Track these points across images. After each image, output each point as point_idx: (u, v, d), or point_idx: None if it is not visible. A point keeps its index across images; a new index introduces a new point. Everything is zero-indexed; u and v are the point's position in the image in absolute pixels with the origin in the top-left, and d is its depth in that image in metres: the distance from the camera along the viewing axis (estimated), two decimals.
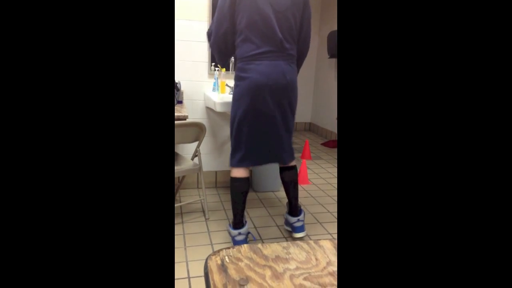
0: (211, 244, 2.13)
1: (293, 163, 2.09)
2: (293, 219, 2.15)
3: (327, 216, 2.62)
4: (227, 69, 2.80)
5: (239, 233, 2.00)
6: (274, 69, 1.79)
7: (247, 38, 1.78)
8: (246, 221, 2.05)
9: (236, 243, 2.01)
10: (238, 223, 2.01)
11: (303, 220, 2.15)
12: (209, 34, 1.95)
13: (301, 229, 2.15)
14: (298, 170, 3.47)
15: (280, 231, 2.32)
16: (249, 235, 2.12)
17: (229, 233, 2.07)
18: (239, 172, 1.96)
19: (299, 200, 2.84)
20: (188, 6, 2.59)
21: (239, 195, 1.97)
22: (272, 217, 2.53)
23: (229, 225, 2.07)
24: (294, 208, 2.14)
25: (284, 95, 1.86)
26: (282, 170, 2.10)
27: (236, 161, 1.95)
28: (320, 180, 3.37)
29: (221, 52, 1.92)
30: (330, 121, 5.10)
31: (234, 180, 1.97)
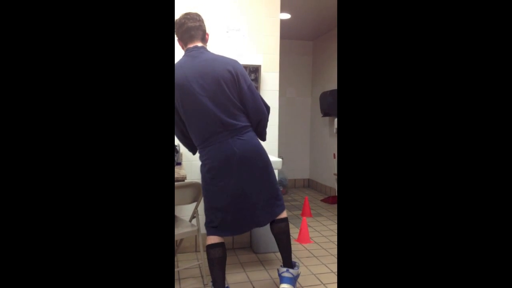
0: None
1: (283, 215, 2.06)
2: (282, 269, 2.04)
3: (331, 276, 2.50)
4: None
5: None
6: (222, 149, 1.86)
7: (192, 132, 1.93)
8: (228, 287, 1.99)
9: None
10: None
11: (293, 274, 2.04)
12: None
13: (288, 280, 2.00)
14: (299, 228, 3.39)
15: None
16: None
17: None
18: (213, 238, 1.96)
19: (300, 259, 2.73)
20: None
21: (215, 262, 1.92)
22: (274, 281, 2.41)
23: None
24: (288, 261, 2.06)
25: (244, 165, 1.89)
26: (271, 222, 2.06)
27: (210, 230, 1.97)
28: (322, 238, 3.28)
29: (183, 141, 2.09)
30: (328, 177, 5.11)
31: (208, 247, 1.95)
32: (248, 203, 1.95)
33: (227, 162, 1.88)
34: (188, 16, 1.88)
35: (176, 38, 1.95)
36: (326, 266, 2.66)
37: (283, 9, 3.85)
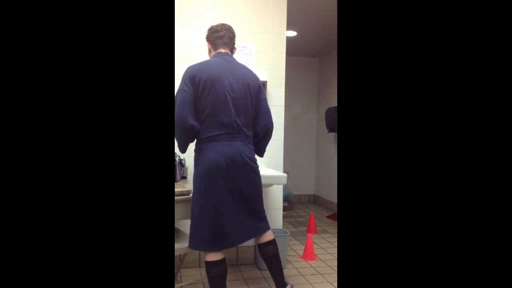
0: None
1: (270, 237, 2.04)
2: None
3: None
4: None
5: None
6: (230, 148, 1.88)
7: (207, 122, 1.90)
8: None
9: None
10: None
11: None
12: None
13: None
14: (304, 245, 3.34)
15: None
16: None
17: None
18: (213, 254, 1.89)
19: (305, 277, 2.68)
20: None
21: (216, 280, 1.88)
22: None
23: None
24: (280, 285, 2.02)
25: (242, 172, 1.91)
26: (260, 246, 2.04)
27: (202, 245, 1.89)
28: (327, 255, 3.23)
29: (187, 140, 1.98)
30: (334, 193, 5.07)
31: (209, 264, 1.89)
32: (242, 210, 1.94)
33: (232, 161, 1.88)
34: (225, 26, 2.06)
35: (206, 42, 2.11)
36: (331, 284, 2.61)
37: (289, 26, 3.93)
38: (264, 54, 2.93)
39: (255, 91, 2.00)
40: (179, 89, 1.93)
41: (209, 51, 2.10)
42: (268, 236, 2.04)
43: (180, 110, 1.88)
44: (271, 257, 2.02)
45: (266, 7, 2.91)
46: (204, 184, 1.89)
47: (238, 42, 2.88)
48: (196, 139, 1.98)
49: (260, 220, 2.02)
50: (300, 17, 3.77)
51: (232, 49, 2.09)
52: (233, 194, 1.91)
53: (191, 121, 1.88)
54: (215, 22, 2.80)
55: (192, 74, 1.89)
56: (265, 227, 2.04)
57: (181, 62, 2.76)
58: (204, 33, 2.80)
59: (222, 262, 1.91)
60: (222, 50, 2.03)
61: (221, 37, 2.02)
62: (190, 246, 1.93)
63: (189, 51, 2.78)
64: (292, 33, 4.36)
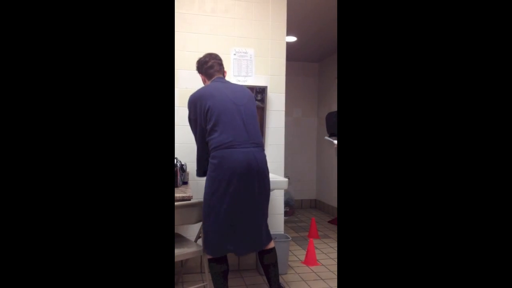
0: None
1: (271, 245, 2.17)
2: None
3: None
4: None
5: None
6: (245, 156, 1.95)
7: (217, 131, 2.00)
8: None
9: None
10: None
11: None
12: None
13: None
14: (306, 250, 3.33)
15: None
16: None
17: None
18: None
19: (307, 282, 2.66)
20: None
21: (220, 275, 2.02)
22: None
23: None
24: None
25: (256, 179, 1.98)
26: (260, 253, 2.16)
27: (210, 250, 2.04)
28: (329, 260, 3.21)
29: (201, 157, 2.16)
30: (335, 198, 5.05)
31: (212, 260, 2.04)
32: (255, 218, 2.02)
33: (248, 168, 1.94)
34: (212, 55, 2.25)
35: (199, 74, 2.28)
36: None
37: (289, 32, 3.95)
38: (264, 59, 2.95)
39: (253, 101, 2.17)
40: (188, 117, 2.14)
41: (204, 81, 2.26)
42: (269, 245, 2.14)
43: (200, 139, 2.12)
44: (270, 265, 2.13)
45: (266, 13, 2.94)
46: (216, 193, 1.97)
47: (238, 48, 2.90)
48: (210, 149, 2.04)
49: (266, 231, 2.12)
50: (300, 22, 3.80)
51: (223, 73, 2.26)
52: (245, 200, 1.97)
53: (202, 144, 2.09)
54: (215, 28, 2.83)
55: (194, 101, 2.06)
56: (266, 242, 2.13)
57: (181, 67, 2.78)
58: (203, 39, 2.80)
59: (223, 260, 2.04)
60: (215, 77, 2.21)
61: (211, 67, 2.21)
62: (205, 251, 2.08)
63: (190, 57, 2.80)
64: (292, 39, 4.38)
